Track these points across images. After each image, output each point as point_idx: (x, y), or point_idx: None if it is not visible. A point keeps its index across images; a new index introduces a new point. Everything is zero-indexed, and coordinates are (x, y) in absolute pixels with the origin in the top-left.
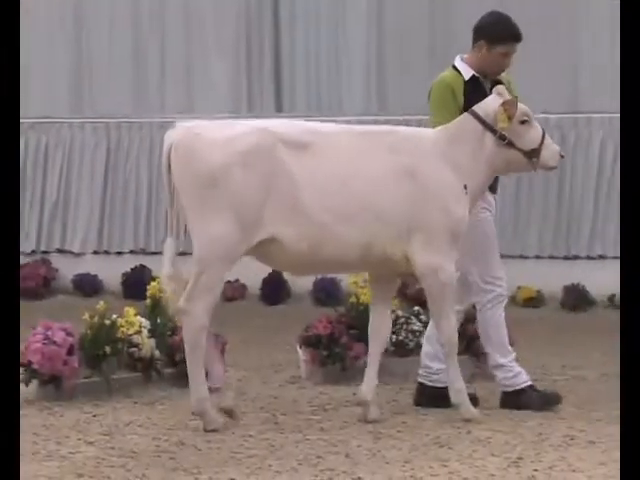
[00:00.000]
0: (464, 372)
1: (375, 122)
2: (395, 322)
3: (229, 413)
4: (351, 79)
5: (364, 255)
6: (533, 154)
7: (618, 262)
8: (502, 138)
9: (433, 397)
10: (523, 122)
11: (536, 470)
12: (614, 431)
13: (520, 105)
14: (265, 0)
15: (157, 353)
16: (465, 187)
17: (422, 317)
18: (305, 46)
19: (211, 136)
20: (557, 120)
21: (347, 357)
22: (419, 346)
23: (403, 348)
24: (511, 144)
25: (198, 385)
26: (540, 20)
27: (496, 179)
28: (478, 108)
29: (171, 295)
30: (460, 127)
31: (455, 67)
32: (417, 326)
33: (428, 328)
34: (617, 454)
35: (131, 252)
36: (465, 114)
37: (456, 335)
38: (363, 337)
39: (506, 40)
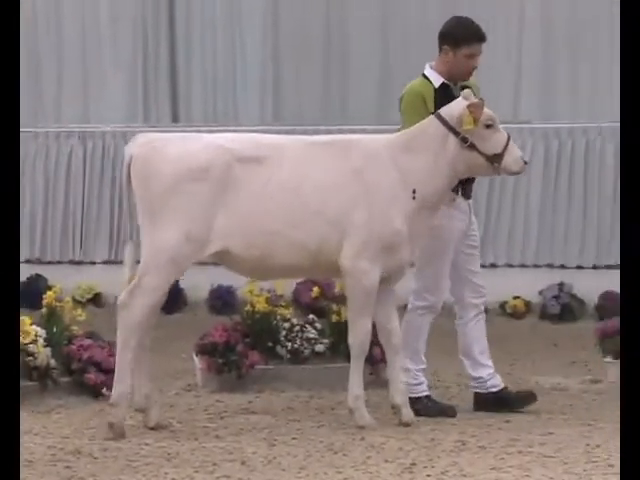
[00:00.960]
0: None
1: (269, 132)
2: (290, 330)
3: (160, 427)
4: (247, 89)
5: (315, 260)
6: (495, 159)
7: (509, 270)
8: (464, 140)
9: (493, 402)
10: (488, 126)
11: (429, 475)
12: (504, 436)
13: (486, 109)
14: (161, 10)
15: (53, 362)
16: (414, 191)
17: (317, 325)
18: (201, 57)
19: (167, 150)
20: None
21: (243, 365)
22: (314, 354)
23: (298, 356)
24: (473, 147)
25: (123, 381)
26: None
27: (470, 184)
28: (443, 111)
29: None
30: (422, 130)
31: (425, 75)
32: (312, 334)
33: (459, 341)
34: (508, 458)
35: (27, 261)
36: (430, 117)
37: (367, 342)
38: (258, 345)
39: (469, 41)
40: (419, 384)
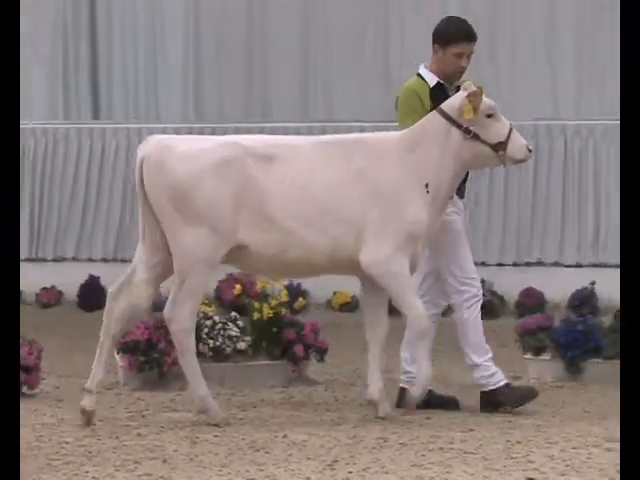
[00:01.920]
0: (282, 376)
1: (191, 130)
2: (212, 328)
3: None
4: (168, 87)
5: (331, 258)
6: (500, 147)
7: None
8: (467, 132)
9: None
10: (489, 115)
11: (351, 472)
12: (425, 433)
13: (486, 99)
14: (82, 9)
15: None
16: (427, 186)
17: (239, 322)
18: (122, 54)
19: (181, 149)
20: (373, 128)
21: (165, 363)
22: (236, 351)
23: (220, 353)
24: (477, 137)
25: (197, 384)
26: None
27: (464, 183)
28: (444, 105)
29: (147, 298)
30: (426, 125)
31: (420, 75)
32: (234, 332)
33: (405, 334)
34: (429, 455)
35: None
36: (432, 112)
37: (425, 321)
38: None
39: (457, 40)
40: (492, 374)
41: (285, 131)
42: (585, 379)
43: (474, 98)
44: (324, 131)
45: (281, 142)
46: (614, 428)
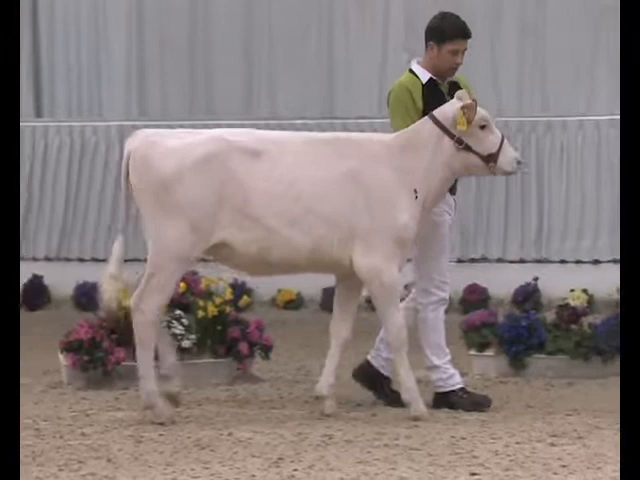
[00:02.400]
0: (227, 374)
1: (135, 128)
2: None
3: (172, 398)
4: (111, 84)
5: (311, 258)
6: (490, 159)
7: None
8: (459, 142)
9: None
10: (483, 127)
11: (296, 470)
12: (371, 430)
13: (480, 110)
14: (24, 3)
15: None
16: (415, 191)
17: (183, 321)
18: (65, 51)
19: (166, 144)
20: (316, 126)
21: (108, 362)
22: (181, 349)
23: None
24: (468, 148)
25: (148, 379)
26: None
27: (455, 181)
28: (437, 112)
29: (111, 294)
30: (418, 131)
31: (412, 71)
32: (179, 330)
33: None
34: (374, 452)
35: None
36: (425, 118)
37: (404, 332)
38: (124, 342)
39: (453, 37)
40: (450, 377)
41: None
42: (529, 374)
43: (468, 111)
44: (268, 128)
45: (270, 138)
46: (558, 423)
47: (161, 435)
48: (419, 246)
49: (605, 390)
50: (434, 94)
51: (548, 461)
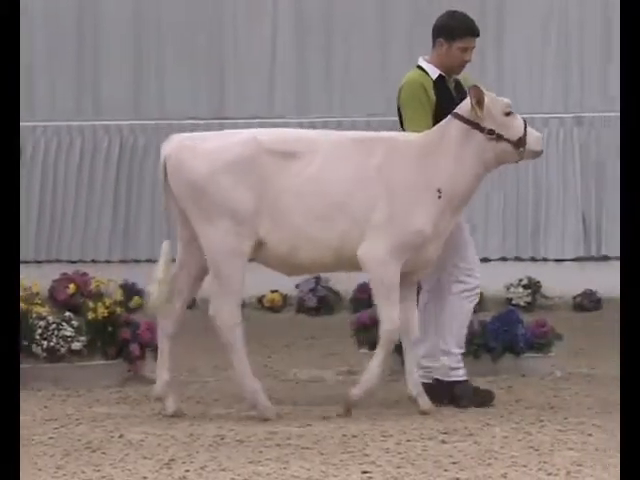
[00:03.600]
0: (117, 376)
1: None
2: (46, 328)
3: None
4: None
5: (338, 255)
6: (520, 143)
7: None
8: (490, 132)
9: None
10: (507, 114)
11: (187, 471)
12: (262, 430)
13: (501, 98)
14: None
15: None
16: (439, 191)
17: (74, 322)
18: None
19: (198, 147)
20: (205, 126)
21: None
22: (71, 351)
23: (54, 354)
24: (500, 137)
25: (247, 378)
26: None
27: None
28: (460, 110)
29: (159, 297)
30: (444, 130)
31: (420, 67)
32: (69, 332)
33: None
34: (266, 451)
35: None
36: (448, 117)
37: (396, 332)
38: None
39: (463, 35)
40: (458, 369)
41: (118, 129)
42: None
43: (475, 93)
44: (157, 128)
45: (300, 137)
46: (449, 420)
47: (51, 438)
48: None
49: (494, 387)
50: (443, 91)
51: (439, 458)
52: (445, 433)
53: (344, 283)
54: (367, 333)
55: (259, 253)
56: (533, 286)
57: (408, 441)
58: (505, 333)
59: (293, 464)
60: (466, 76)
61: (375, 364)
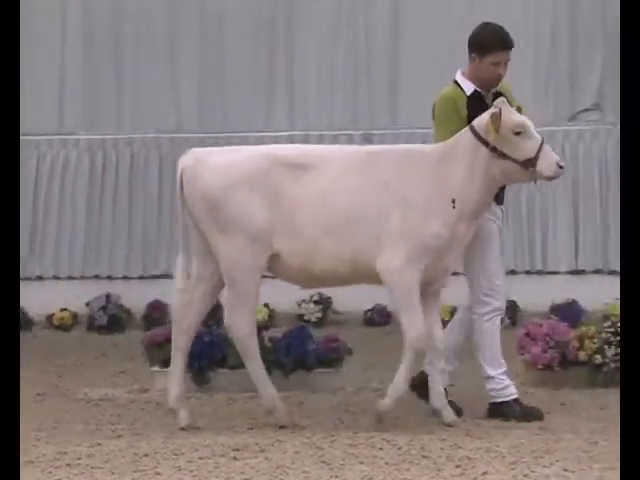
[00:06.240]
0: None
1: None
2: None
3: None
4: None
5: (353, 267)
6: (529, 164)
7: (56, 282)
8: (494, 150)
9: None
10: (517, 133)
11: None
12: (51, 450)
13: (513, 117)
14: None
15: None
16: (453, 201)
17: None
18: None
19: (213, 162)
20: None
21: None
22: None
23: None
24: (503, 155)
25: (264, 385)
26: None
27: (502, 190)
28: (475, 122)
29: (183, 307)
30: (457, 141)
31: (456, 82)
32: None
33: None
34: (56, 472)
35: None
36: (465, 129)
37: (421, 342)
38: None
39: (494, 49)
40: (504, 388)
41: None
42: (212, 389)
43: (495, 119)
44: (53, 143)
45: (313, 151)
46: (240, 436)
47: None
48: (468, 256)
49: (286, 403)
50: (478, 106)
51: (231, 475)
52: (237, 450)
53: (135, 301)
54: (159, 350)
55: (274, 265)
56: (324, 302)
57: (200, 459)
58: (296, 349)
59: None
60: (504, 85)
61: (401, 372)
